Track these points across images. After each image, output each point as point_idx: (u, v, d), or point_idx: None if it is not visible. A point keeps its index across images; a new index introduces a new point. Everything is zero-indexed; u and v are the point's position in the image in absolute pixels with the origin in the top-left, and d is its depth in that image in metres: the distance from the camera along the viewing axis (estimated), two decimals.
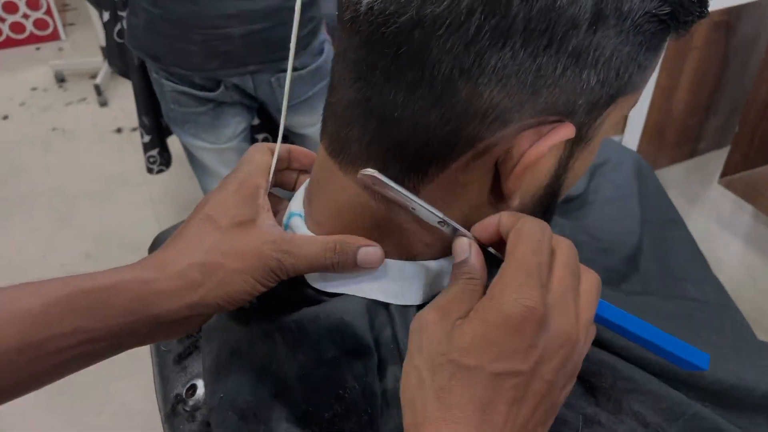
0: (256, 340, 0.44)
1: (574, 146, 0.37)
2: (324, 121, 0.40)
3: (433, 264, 0.41)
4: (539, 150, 0.34)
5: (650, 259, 0.64)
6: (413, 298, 0.41)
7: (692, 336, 0.55)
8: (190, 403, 0.51)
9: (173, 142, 1.71)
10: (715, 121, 2.08)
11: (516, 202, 0.38)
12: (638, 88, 0.37)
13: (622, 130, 1.82)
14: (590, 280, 0.36)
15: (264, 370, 0.44)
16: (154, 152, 1.64)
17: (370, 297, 0.41)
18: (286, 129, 1.43)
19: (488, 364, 0.31)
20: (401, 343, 0.40)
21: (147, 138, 1.61)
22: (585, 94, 0.34)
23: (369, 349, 0.40)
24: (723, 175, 1.83)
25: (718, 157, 1.94)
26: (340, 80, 0.37)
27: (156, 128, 1.60)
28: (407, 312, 0.41)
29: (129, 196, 2.28)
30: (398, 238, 0.40)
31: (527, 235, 0.34)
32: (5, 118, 2.74)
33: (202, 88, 1.25)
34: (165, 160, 1.68)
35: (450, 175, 0.36)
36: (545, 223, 0.36)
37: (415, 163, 0.36)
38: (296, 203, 0.44)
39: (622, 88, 0.35)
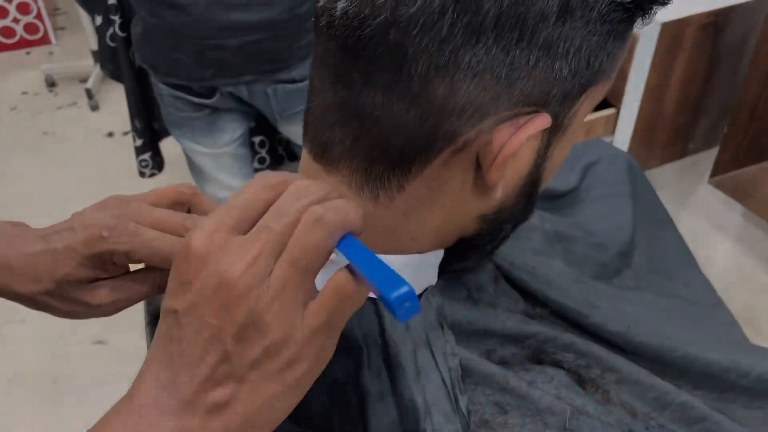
0: None
1: (551, 135, 0.38)
2: (305, 126, 0.41)
3: (419, 257, 0.42)
4: (518, 140, 0.35)
5: (642, 258, 0.65)
6: None
7: (685, 327, 0.56)
8: None
9: (166, 146, 1.71)
10: (705, 121, 2.09)
11: (499, 193, 0.39)
12: (609, 77, 0.38)
13: (613, 131, 1.83)
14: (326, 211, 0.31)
15: None
16: (147, 156, 1.64)
17: None
18: (286, 137, 1.44)
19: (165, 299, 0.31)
20: (389, 338, 0.41)
21: (139, 141, 1.61)
22: (558, 84, 0.35)
23: (357, 344, 0.40)
24: (713, 174, 1.84)
25: (708, 157, 1.95)
26: (319, 85, 0.38)
27: (148, 132, 1.61)
28: None
29: None
30: (385, 234, 0.40)
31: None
32: None
33: (199, 95, 1.26)
34: (157, 163, 1.68)
35: (433, 171, 0.37)
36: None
37: (399, 161, 0.37)
38: None
39: (593, 77, 0.36)
